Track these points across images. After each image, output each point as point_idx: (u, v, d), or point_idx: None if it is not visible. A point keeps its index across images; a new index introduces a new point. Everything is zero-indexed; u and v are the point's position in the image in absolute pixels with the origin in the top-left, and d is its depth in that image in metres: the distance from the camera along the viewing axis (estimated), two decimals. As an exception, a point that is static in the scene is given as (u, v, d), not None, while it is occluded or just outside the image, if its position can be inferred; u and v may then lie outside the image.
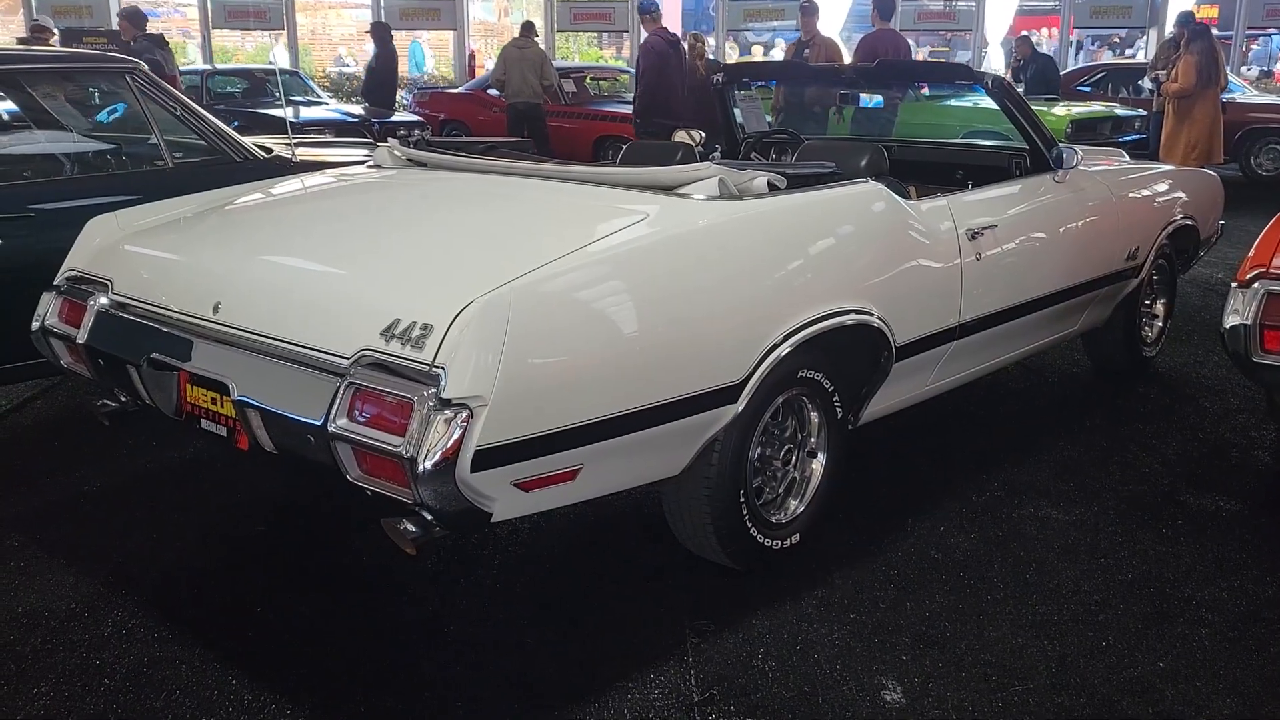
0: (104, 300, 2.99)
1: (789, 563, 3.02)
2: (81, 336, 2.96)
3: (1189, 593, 2.94)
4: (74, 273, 3.15)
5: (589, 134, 10.08)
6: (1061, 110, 10.11)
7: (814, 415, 3.07)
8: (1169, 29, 11.08)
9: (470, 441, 2.16)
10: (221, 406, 2.63)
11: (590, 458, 2.42)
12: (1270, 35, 17.87)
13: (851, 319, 2.94)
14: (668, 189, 2.92)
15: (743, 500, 2.85)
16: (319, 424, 2.30)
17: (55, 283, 3.18)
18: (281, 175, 3.95)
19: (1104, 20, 15.48)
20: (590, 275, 2.44)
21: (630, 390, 2.45)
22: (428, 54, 18.01)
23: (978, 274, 3.44)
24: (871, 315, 3.00)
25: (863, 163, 3.47)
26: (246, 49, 20.60)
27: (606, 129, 10.30)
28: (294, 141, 4.57)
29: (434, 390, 2.17)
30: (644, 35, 8.84)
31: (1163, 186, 4.66)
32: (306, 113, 10.57)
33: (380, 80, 10.92)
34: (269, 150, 4.47)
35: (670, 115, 8.15)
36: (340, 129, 9.90)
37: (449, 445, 2.14)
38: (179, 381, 2.75)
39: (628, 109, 10.60)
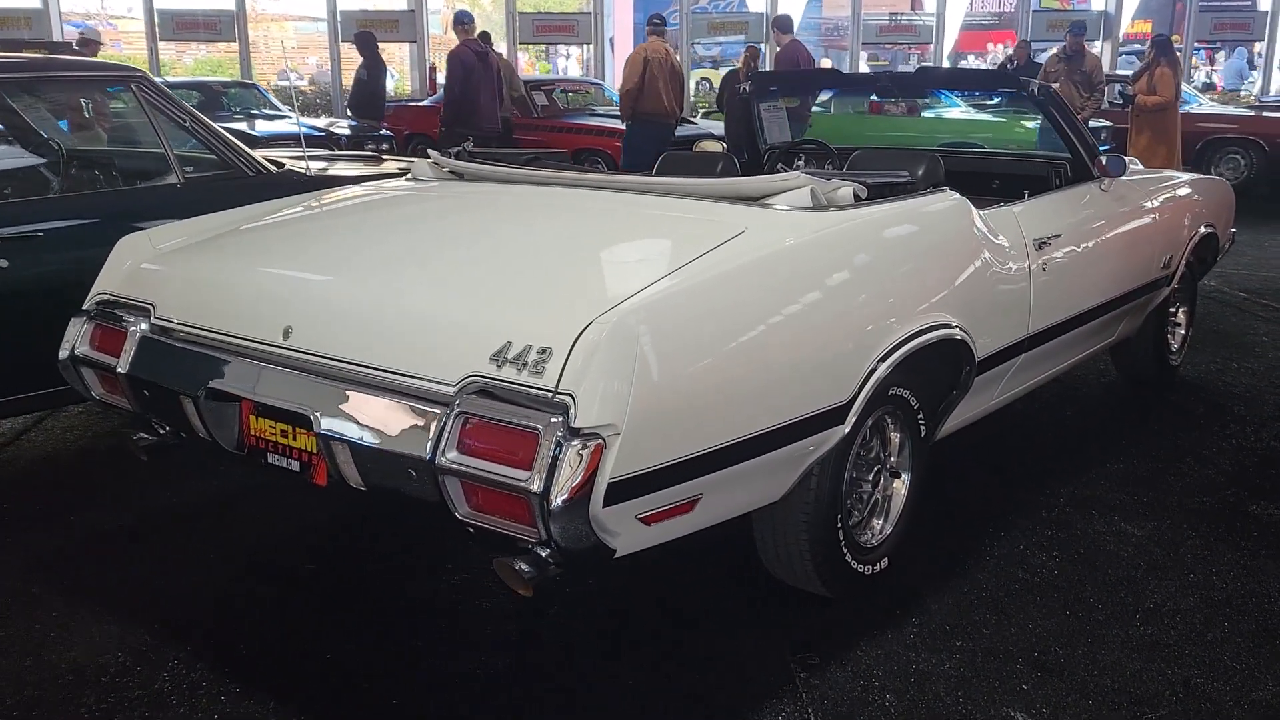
0: (145, 326, 2.77)
1: (880, 588, 2.90)
2: (123, 366, 2.74)
3: (1289, 608, 2.87)
4: (106, 296, 2.92)
5: (564, 147, 9.89)
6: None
7: (895, 434, 2.95)
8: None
9: (604, 474, 2.00)
10: (295, 439, 2.43)
11: (709, 487, 2.27)
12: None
13: (942, 333, 2.83)
14: (752, 200, 2.78)
15: (839, 525, 2.72)
16: (426, 458, 2.12)
17: (85, 308, 2.95)
18: (303, 190, 3.74)
19: (1060, 34, 15.66)
20: (708, 292, 2.29)
21: (750, 414, 2.30)
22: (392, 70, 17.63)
23: (1044, 284, 3.36)
24: (958, 328, 2.90)
25: (920, 172, 3.38)
26: (185, 62, 20.00)
27: (582, 142, 10.14)
28: (308, 155, 4.36)
29: (562, 419, 2.00)
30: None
31: (1188, 194, 4.64)
32: (268, 127, 10.25)
33: (371, 92, 10.58)
34: (280, 164, 4.26)
35: (473, 125, 8.14)
36: (305, 143, 9.61)
37: (580, 479, 1.98)
38: (241, 413, 2.54)
39: (601, 121, 10.49)
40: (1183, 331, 4.88)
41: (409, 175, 3.48)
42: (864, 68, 18.93)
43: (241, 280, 2.76)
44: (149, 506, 3.50)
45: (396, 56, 17.88)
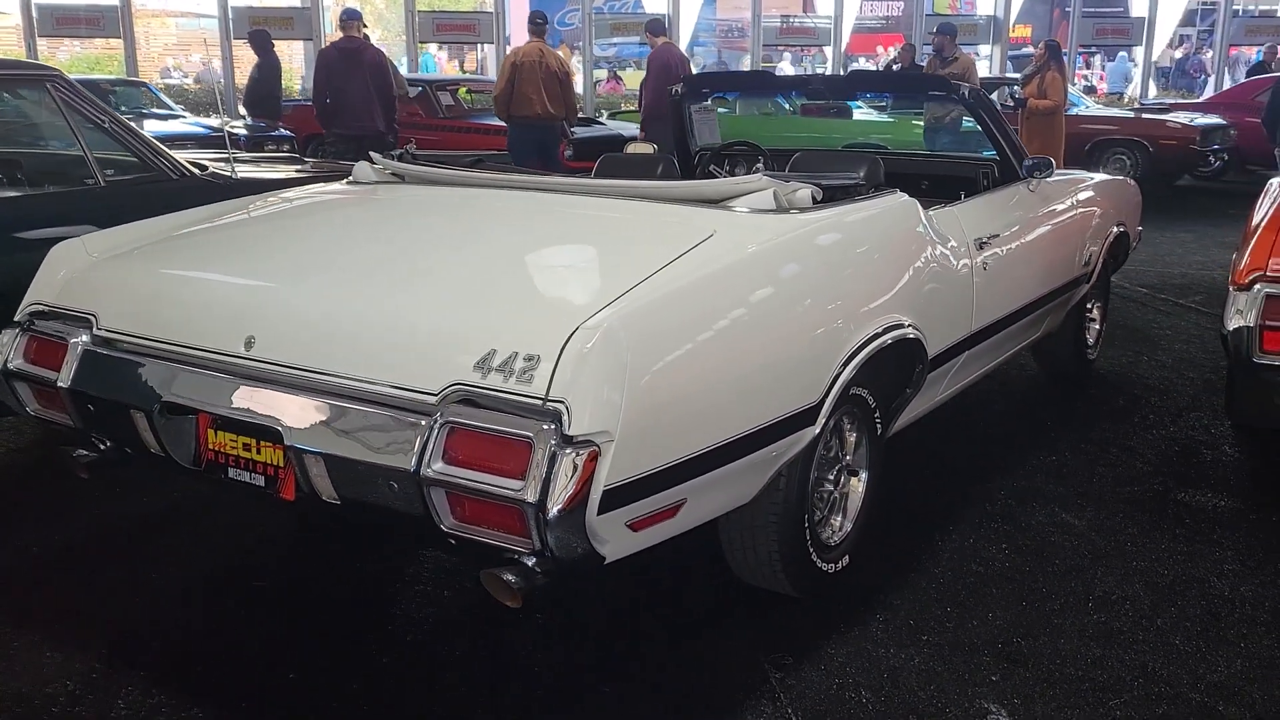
0: (87, 338, 2.64)
1: (842, 586, 2.93)
2: (64, 380, 2.60)
3: (1228, 592, 2.99)
4: (40, 307, 2.78)
5: (469, 147, 9.75)
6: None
7: (852, 433, 2.99)
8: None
9: (598, 482, 1.98)
10: (260, 453, 2.35)
11: (692, 491, 2.26)
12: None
13: (899, 332, 2.87)
14: (714, 202, 2.79)
15: (806, 525, 2.75)
16: (410, 469, 2.06)
17: (17, 319, 2.79)
18: (230, 194, 3.60)
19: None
20: (689, 296, 2.29)
21: (731, 417, 2.31)
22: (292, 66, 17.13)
23: (984, 282, 3.45)
24: (911, 327, 2.95)
25: (863, 173, 3.44)
26: (59, 58, 19.14)
27: (489, 143, 10.00)
28: (234, 157, 4.21)
29: (555, 427, 1.97)
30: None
31: (1102, 194, 4.81)
32: (162, 127, 9.88)
33: (267, 92, 10.28)
34: (203, 167, 4.11)
35: (345, 125, 8.01)
36: (203, 144, 9.30)
37: (575, 487, 1.96)
38: (198, 427, 2.44)
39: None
40: (1098, 327, 5.06)
41: (350, 178, 3.39)
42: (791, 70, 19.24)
43: (195, 289, 2.64)
44: (91, 524, 3.34)
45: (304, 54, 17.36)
